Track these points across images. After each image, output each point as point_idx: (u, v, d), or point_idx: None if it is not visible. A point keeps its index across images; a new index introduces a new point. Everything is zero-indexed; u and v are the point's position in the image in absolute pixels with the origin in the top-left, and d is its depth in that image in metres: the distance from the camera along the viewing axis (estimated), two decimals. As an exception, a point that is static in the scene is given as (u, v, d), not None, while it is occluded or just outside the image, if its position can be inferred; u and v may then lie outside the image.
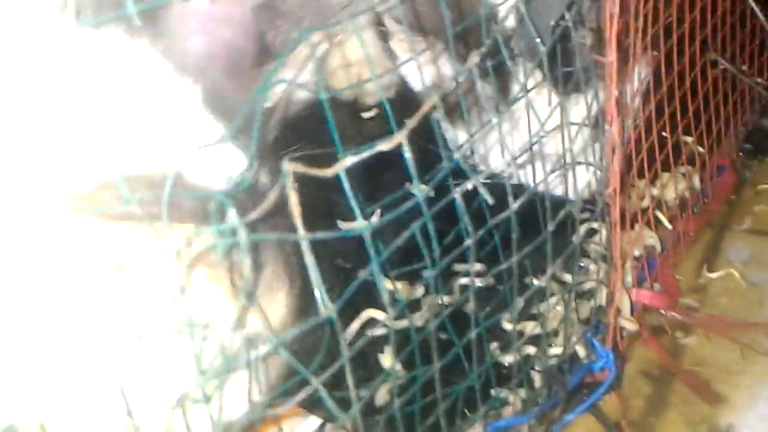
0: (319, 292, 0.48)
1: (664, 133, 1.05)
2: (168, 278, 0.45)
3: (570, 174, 0.75)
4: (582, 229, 0.90)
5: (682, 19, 1.02)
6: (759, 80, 1.37)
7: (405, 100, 1.11)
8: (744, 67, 1.33)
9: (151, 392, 0.51)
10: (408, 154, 0.52)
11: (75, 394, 0.50)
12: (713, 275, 1.10)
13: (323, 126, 0.52)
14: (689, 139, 1.14)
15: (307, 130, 0.76)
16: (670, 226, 1.07)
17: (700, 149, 1.17)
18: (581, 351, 0.85)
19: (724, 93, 1.21)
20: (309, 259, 0.45)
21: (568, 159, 0.74)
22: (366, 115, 1.29)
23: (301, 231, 0.47)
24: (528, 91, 0.64)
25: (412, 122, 0.51)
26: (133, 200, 0.42)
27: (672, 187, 1.09)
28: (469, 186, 0.58)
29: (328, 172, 0.50)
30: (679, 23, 1.01)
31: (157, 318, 0.47)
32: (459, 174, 0.60)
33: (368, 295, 0.58)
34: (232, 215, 0.43)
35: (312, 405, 0.76)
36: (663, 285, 1.05)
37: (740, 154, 1.33)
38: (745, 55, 1.32)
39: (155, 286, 0.46)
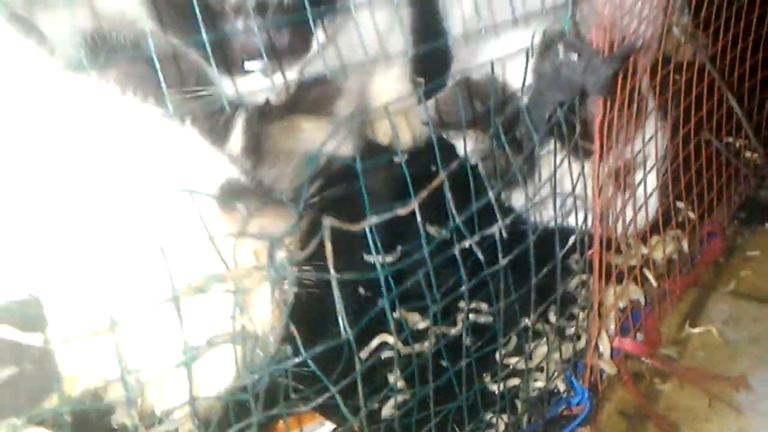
0: (341, 319, 0.64)
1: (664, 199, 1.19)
2: (231, 299, 0.61)
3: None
4: (575, 280, 1.05)
5: (678, 103, 1.17)
6: (755, 155, 1.51)
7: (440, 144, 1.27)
8: (740, 142, 1.47)
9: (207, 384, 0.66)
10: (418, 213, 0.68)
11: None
12: (694, 330, 1.23)
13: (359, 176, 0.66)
14: (681, 205, 1.28)
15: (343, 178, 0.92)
16: (655, 284, 1.21)
17: (691, 215, 1.31)
18: (561, 386, 0.99)
19: (719, 167, 1.35)
20: (337, 294, 0.61)
21: (559, 221, 0.89)
22: (396, 159, 1.44)
23: (333, 272, 0.62)
24: (525, 162, 0.79)
25: (421, 195, 0.67)
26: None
27: (661, 248, 1.23)
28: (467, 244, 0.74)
29: (357, 227, 0.66)
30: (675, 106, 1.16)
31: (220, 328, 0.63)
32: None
33: (383, 320, 0.73)
34: (282, 257, 0.59)
35: (328, 411, 0.91)
36: (646, 335, 1.18)
37: (734, 221, 1.47)
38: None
39: (222, 304, 0.62)
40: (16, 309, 0.55)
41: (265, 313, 0.65)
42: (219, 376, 0.66)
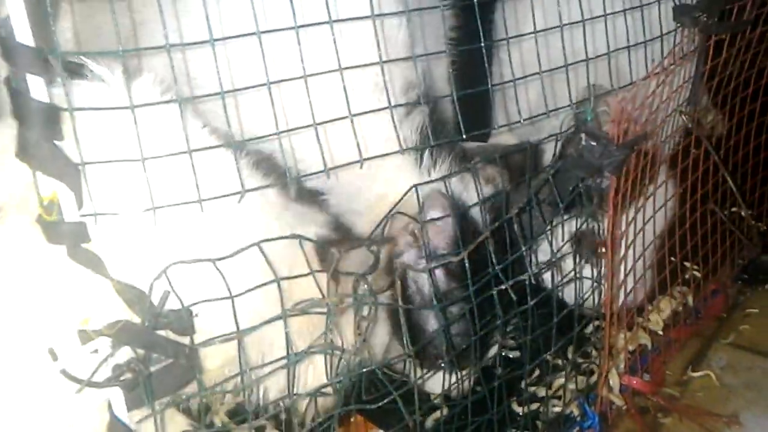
0: (405, 340, 0.84)
1: (673, 258, 1.38)
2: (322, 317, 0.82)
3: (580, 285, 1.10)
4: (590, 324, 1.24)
5: (685, 178, 1.37)
6: (760, 224, 1.69)
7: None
8: (745, 212, 1.65)
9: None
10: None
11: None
12: (695, 374, 1.41)
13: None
14: (688, 265, 1.47)
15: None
16: (661, 333, 1.39)
17: (697, 274, 1.49)
18: (575, 411, 1.18)
19: (723, 233, 1.54)
20: (403, 321, 0.81)
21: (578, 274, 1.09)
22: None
23: (400, 302, 0.83)
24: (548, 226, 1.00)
25: (468, 248, 0.87)
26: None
27: (668, 302, 1.42)
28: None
29: (419, 269, 0.86)
30: (683, 180, 1.36)
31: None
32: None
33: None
34: (367, 288, 0.80)
35: (381, 418, 1.10)
36: (652, 376, 1.36)
37: (738, 282, 1.65)
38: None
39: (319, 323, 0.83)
40: (174, 318, 0.76)
41: (349, 331, 0.86)
42: (312, 377, 0.86)
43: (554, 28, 1.02)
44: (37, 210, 0.71)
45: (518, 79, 0.98)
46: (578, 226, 1.05)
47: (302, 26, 0.79)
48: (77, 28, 0.87)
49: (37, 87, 0.67)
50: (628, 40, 1.12)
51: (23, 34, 0.66)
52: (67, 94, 0.69)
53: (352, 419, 1.00)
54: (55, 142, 0.69)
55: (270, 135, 0.80)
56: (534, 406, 1.17)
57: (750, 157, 1.60)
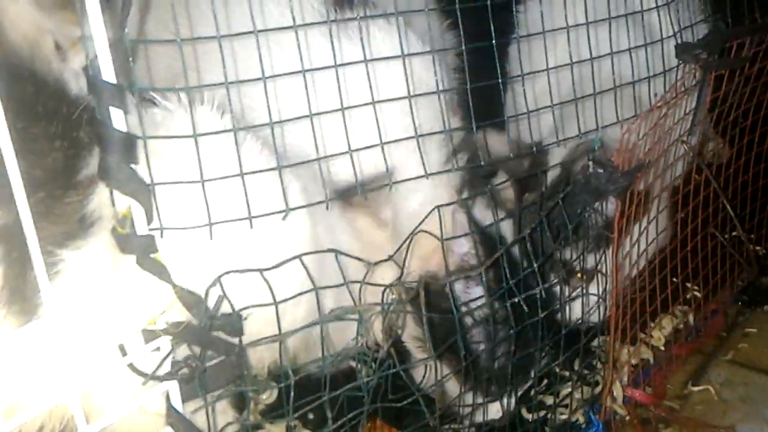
0: (429, 343, 0.94)
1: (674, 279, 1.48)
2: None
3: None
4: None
5: (687, 203, 1.47)
6: (759, 248, 1.78)
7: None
8: (744, 237, 1.74)
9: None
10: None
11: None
12: (695, 389, 1.50)
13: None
14: (689, 285, 1.56)
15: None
16: (663, 349, 1.49)
17: (698, 294, 1.59)
18: (581, 419, 1.27)
19: (723, 255, 1.63)
20: (426, 333, 0.91)
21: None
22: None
23: (424, 312, 0.93)
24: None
25: (487, 263, 0.97)
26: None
27: (669, 320, 1.51)
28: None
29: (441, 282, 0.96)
30: (684, 205, 1.45)
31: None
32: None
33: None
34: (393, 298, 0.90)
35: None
36: (654, 389, 1.45)
37: (737, 303, 1.74)
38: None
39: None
40: (226, 321, 0.86)
41: (378, 336, 0.96)
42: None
43: (565, 65, 1.13)
44: (113, 224, 0.82)
45: (532, 111, 1.08)
46: (585, 247, 1.15)
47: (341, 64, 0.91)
48: (149, 64, 0.99)
49: (117, 118, 0.78)
50: (633, 75, 1.23)
51: (108, 72, 0.77)
52: (142, 123, 0.80)
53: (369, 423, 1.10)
54: (131, 165, 0.80)
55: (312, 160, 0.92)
56: (542, 413, 1.26)
57: (749, 184, 1.70)
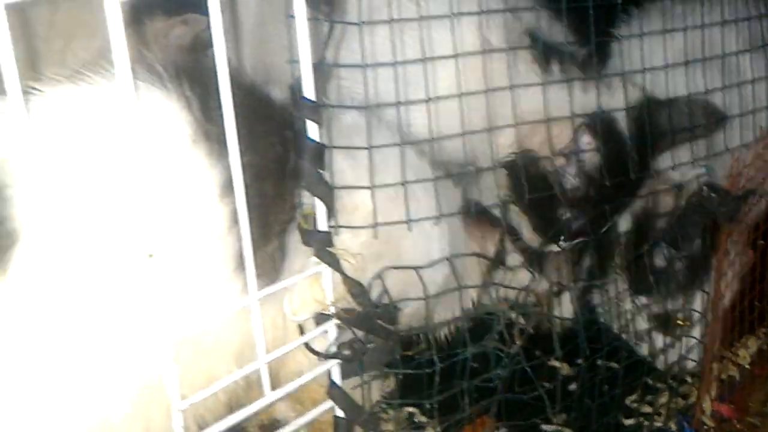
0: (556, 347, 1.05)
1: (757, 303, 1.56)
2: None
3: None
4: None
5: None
6: None
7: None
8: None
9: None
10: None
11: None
12: (776, 407, 1.58)
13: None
14: (773, 310, 1.64)
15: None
16: (748, 366, 1.57)
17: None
18: (673, 427, 1.36)
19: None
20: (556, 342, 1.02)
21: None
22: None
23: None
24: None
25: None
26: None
27: (754, 341, 1.59)
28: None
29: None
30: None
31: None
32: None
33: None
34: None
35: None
36: (737, 405, 1.54)
37: (820, 327, 1.80)
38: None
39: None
40: (383, 310, 0.98)
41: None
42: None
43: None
44: (299, 219, 0.95)
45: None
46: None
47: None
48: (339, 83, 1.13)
49: (312, 129, 0.91)
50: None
51: (308, 91, 0.90)
52: (329, 135, 0.93)
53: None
54: (320, 170, 0.93)
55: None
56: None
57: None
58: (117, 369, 0.88)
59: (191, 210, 0.92)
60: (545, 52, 1.27)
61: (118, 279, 0.86)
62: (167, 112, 0.91)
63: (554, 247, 1.28)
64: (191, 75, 0.94)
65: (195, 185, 0.92)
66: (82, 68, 0.91)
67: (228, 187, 0.89)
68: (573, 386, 1.28)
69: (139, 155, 0.76)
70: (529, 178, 1.16)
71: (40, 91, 0.87)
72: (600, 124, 1.22)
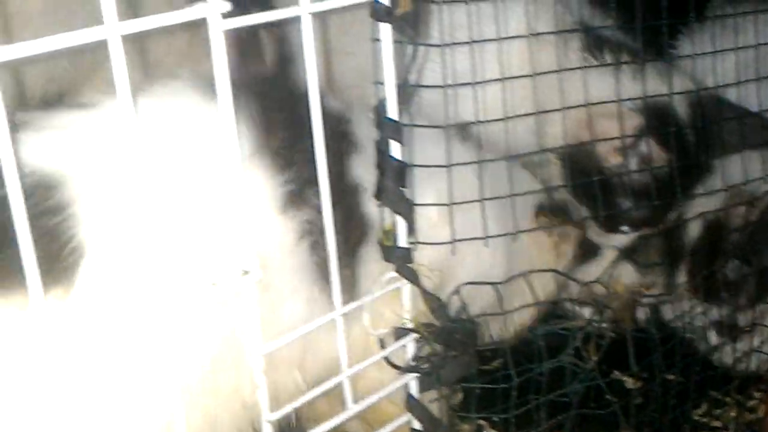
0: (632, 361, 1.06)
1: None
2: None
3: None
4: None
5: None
6: None
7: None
8: None
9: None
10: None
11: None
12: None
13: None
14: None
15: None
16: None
17: None
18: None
19: None
20: (631, 353, 1.03)
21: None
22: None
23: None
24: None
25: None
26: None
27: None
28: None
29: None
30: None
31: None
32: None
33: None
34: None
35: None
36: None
37: None
38: None
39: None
40: (460, 326, 1.00)
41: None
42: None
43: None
44: (379, 237, 0.98)
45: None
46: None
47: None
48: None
49: (395, 149, 0.93)
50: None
51: (392, 112, 0.92)
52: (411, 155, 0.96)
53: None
54: (401, 188, 0.95)
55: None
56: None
57: None
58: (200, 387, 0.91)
59: (256, 224, 0.93)
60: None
61: (203, 293, 0.88)
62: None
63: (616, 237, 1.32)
64: (253, 89, 0.97)
65: (257, 199, 0.94)
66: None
67: (292, 200, 0.92)
68: (639, 400, 1.30)
69: (233, 171, 0.78)
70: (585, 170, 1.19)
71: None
72: (656, 115, 1.25)
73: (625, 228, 1.40)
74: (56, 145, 0.87)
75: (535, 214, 1.24)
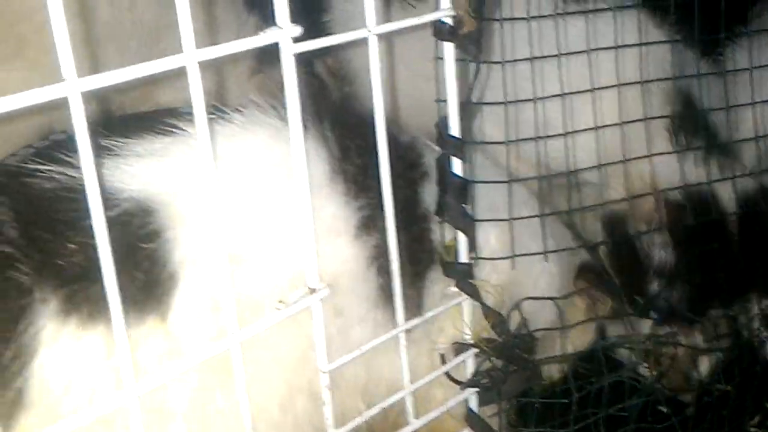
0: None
1: None
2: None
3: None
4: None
5: None
6: None
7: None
8: None
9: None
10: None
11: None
12: None
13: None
14: None
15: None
16: None
17: None
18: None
19: None
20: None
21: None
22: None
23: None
24: None
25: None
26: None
27: None
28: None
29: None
30: None
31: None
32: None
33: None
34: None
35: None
36: None
37: None
38: None
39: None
40: (519, 341, 1.00)
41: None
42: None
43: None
44: (440, 252, 0.98)
45: None
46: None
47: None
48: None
49: (456, 165, 0.94)
50: None
51: (454, 129, 0.92)
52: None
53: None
54: (463, 204, 0.95)
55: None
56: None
57: None
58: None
59: (331, 246, 0.95)
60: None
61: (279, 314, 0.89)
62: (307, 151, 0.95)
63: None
64: (329, 116, 0.98)
65: (332, 224, 0.96)
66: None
67: (365, 225, 0.93)
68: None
69: (303, 193, 0.79)
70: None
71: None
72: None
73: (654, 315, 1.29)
74: (151, 170, 0.89)
75: (575, 274, 1.22)
